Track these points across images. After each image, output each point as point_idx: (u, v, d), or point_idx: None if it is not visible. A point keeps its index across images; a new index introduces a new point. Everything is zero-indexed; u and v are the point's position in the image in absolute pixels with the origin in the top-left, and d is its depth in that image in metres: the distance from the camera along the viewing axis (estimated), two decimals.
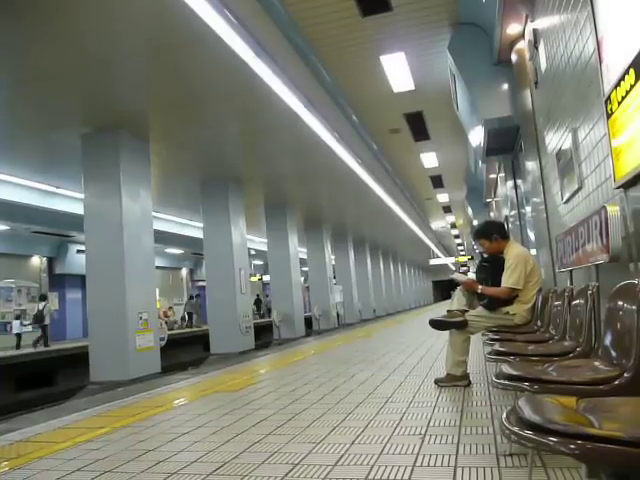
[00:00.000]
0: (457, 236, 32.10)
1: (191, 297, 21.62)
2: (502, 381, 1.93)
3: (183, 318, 20.42)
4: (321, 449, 2.44)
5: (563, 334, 2.78)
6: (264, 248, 16.61)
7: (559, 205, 4.19)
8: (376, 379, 4.38)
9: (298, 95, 6.94)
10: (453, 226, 27.24)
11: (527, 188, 6.16)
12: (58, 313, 17.40)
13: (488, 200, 13.71)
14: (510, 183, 8.17)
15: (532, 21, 4.71)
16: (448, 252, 38.56)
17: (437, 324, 3.80)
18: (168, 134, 8.19)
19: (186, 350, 15.11)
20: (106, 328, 7.18)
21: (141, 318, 7.31)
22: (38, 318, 13.09)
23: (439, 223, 25.68)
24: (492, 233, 3.89)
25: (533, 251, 5.95)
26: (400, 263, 31.21)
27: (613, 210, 2.39)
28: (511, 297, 3.63)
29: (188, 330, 18.22)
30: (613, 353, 1.85)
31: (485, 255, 4.19)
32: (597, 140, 2.84)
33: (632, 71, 2.09)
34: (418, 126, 10.33)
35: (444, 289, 54.36)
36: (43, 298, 13.97)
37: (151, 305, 7.79)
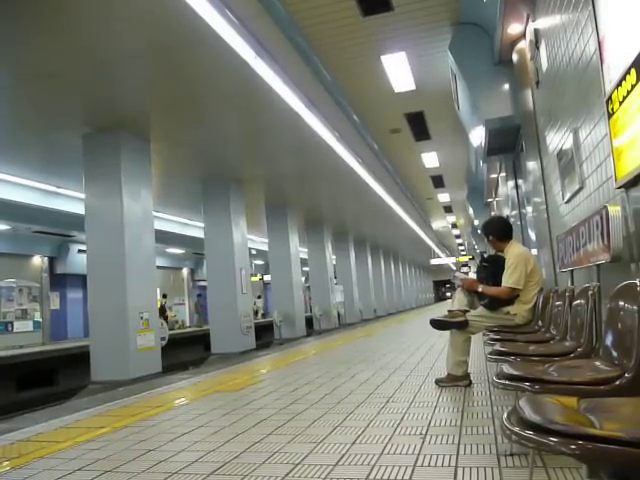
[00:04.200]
0: (458, 236, 32.09)
1: (199, 295, 21.86)
2: (503, 381, 1.93)
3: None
4: (322, 449, 2.44)
5: (564, 334, 2.78)
6: (265, 248, 16.60)
7: (560, 205, 4.19)
8: (377, 379, 4.38)
9: (299, 95, 6.94)
10: (454, 226, 27.24)
11: (528, 188, 6.16)
12: (58, 313, 17.43)
13: (489, 200, 13.69)
14: (511, 183, 8.16)
15: (533, 21, 4.71)
16: (449, 252, 38.56)
17: (438, 324, 3.80)
18: (169, 134, 8.19)
19: (187, 350, 15.11)
20: (107, 328, 7.18)
21: (142, 318, 7.31)
22: (162, 310, 17.30)
23: (440, 223, 25.68)
24: (492, 232, 3.90)
25: (534, 251, 5.94)
26: (401, 263, 31.19)
27: (614, 210, 2.39)
28: (512, 297, 3.63)
29: (189, 330, 18.24)
30: (614, 353, 1.85)
31: (485, 255, 4.19)
32: (598, 140, 2.84)
33: (633, 71, 2.08)
34: (419, 126, 10.33)
35: (446, 289, 54.36)
36: (165, 296, 19.88)
37: (152, 305, 7.79)
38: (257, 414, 3.33)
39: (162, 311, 19.77)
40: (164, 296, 20.70)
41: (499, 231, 3.92)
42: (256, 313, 23.50)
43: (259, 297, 27.34)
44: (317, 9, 6.09)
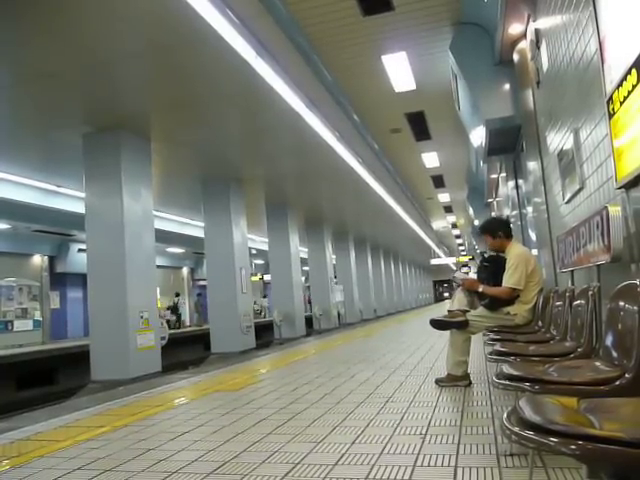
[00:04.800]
0: (458, 236, 32.10)
1: (199, 294, 21.90)
2: (503, 381, 1.93)
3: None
4: (321, 449, 2.44)
5: (564, 334, 2.78)
6: (265, 247, 16.60)
7: (560, 205, 4.19)
8: (377, 379, 4.38)
9: (299, 95, 6.94)
10: (454, 226, 27.25)
11: (528, 188, 6.16)
12: (58, 312, 17.43)
13: (489, 200, 13.70)
14: (511, 183, 8.16)
15: (534, 21, 4.71)
16: (449, 252, 38.56)
17: (438, 324, 3.80)
18: (169, 134, 8.19)
19: (187, 349, 15.12)
20: (107, 327, 7.18)
21: (142, 317, 7.31)
22: (174, 308, 19.71)
23: (440, 223, 25.69)
24: (496, 231, 3.90)
25: (534, 251, 5.94)
26: (401, 263, 31.19)
27: (615, 210, 2.39)
28: (512, 297, 3.63)
29: (189, 329, 18.25)
30: (614, 354, 1.85)
31: (486, 255, 4.19)
32: (599, 140, 2.84)
33: (634, 71, 2.08)
34: (419, 126, 10.34)
35: (444, 289, 54.26)
36: (177, 295, 20.59)
37: (152, 304, 7.79)
38: (257, 414, 3.33)
39: (175, 309, 19.87)
40: (177, 295, 20.74)
41: (505, 228, 3.93)
42: (259, 313, 23.45)
43: (264, 297, 27.17)
44: (318, 9, 6.09)
